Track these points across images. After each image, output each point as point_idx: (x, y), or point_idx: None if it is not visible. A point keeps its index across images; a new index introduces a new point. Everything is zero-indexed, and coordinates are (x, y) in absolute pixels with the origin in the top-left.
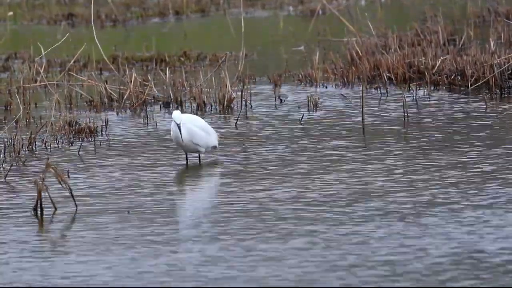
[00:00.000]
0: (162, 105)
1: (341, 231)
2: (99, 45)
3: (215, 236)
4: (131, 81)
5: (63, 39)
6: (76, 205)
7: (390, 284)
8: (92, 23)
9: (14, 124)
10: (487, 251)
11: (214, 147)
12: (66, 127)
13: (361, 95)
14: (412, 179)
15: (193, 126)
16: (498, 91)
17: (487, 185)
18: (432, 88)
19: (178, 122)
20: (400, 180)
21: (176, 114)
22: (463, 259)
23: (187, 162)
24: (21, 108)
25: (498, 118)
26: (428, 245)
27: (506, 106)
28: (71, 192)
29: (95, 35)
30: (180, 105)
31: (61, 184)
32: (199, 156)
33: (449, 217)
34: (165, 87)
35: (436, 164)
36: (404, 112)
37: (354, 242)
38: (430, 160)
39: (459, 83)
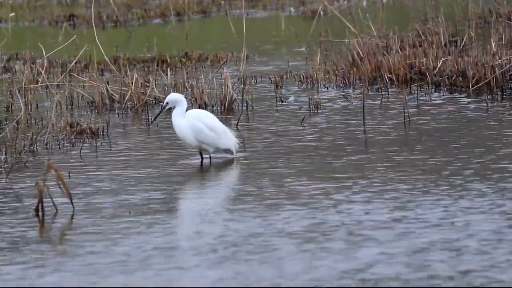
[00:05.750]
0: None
1: (341, 232)
2: (101, 48)
3: (216, 236)
4: (132, 82)
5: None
6: (73, 208)
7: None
8: (94, 26)
9: (16, 125)
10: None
11: (228, 150)
12: (68, 128)
13: (362, 96)
14: (413, 180)
15: (199, 123)
16: (499, 92)
17: (489, 185)
18: (433, 89)
19: (164, 103)
20: (401, 181)
21: (170, 95)
22: (465, 261)
23: (202, 161)
24: (23, 109)
25: (499, 119)
26: (428, 243)
27: (508, 107)
28: (70, 197)
29: (96, 38)
30: None
31: (60, 188)
32: (210, 157)
33: (450, 217)
34: (166, 88)
35: (437, 166)
36: (405, 113)
37: (352, 243)
38: (431, 161)
39: (461, 84)
